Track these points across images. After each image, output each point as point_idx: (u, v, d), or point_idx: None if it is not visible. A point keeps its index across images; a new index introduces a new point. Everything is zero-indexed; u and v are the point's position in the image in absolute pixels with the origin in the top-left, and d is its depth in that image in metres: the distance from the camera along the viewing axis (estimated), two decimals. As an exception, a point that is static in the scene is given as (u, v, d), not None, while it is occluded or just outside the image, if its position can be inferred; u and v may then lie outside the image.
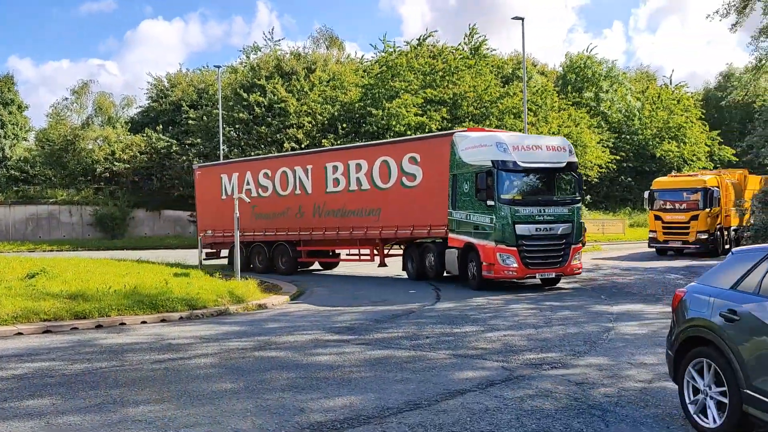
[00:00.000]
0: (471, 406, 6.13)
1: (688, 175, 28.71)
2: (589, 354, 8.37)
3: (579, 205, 16.31)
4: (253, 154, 42.06)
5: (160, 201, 46.52)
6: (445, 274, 17.41)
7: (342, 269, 22.56)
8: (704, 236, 23.96)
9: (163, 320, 11.83)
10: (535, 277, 15.99)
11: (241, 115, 42.60)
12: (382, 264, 19.49)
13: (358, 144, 21.54)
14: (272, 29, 68.98)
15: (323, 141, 40.17)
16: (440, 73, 41.29)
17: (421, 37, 43.37)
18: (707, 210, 24.01)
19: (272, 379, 7.35)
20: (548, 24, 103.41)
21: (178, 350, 9.17)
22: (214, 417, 5.99)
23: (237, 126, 43.68)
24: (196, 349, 9.19)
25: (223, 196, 22.94)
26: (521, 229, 15.05)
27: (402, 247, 19.47)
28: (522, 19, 31.34)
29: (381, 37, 77.23)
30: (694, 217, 24.07)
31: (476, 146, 15.96)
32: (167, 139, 46.54)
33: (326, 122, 42.70)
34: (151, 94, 53.61)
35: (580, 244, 16.18)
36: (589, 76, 55.44)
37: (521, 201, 15.37)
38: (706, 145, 52.78)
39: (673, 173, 33.01)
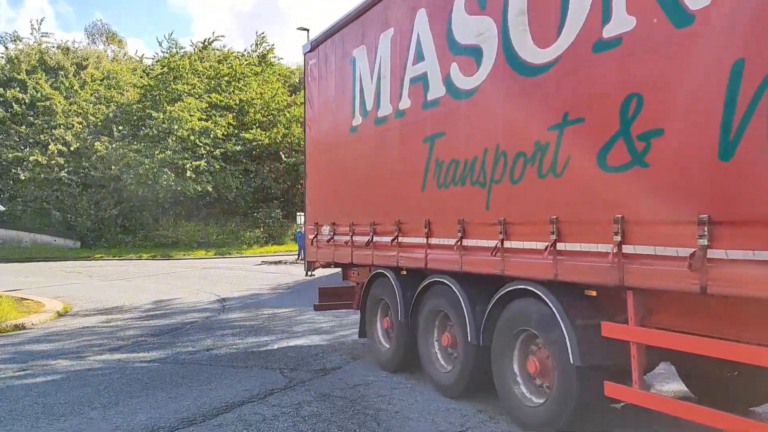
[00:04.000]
0: (248, 418, 6.02)
1: None
2: (366, 357, 8.69)
3: None
4: (11, 156, 37.65)
5: None
6: None
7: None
8: None
9: None
10: None
11: (-5, 112, 37.98)
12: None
13: None
14: (41, 20, 61.57)
15: (96, 144, 37.19)
16: (226, 78, 40.44)
17: (206, 40, 42.13)
18: None
19: (24, 408, 6.57)
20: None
21: None
22: (-53, 458, 5.19)
23: (-9, 124, 38.93)
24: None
25: (355, 118, 8.08)
26: None
27: None
28: (307, 30, 32.10)
29: (166, 34, 73.95)
30: None
31: None
32: None
33: (100, 123, 39.63)
34: None
35: None
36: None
37: None
38: None
39: None
